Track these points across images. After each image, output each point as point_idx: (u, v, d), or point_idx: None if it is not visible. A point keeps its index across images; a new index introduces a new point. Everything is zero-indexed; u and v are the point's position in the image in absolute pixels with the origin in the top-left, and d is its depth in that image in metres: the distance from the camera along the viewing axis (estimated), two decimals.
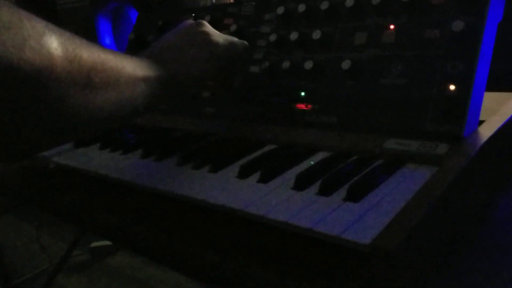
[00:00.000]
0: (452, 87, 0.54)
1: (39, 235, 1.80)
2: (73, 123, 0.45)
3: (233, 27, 0.79)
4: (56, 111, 0.42)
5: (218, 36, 0.67)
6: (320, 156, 0.60)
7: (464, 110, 0.53)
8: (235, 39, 0.71)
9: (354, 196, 0.47)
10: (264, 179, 0.55)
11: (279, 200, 0.50)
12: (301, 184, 0.52)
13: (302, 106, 0.68)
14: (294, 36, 0.69)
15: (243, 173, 0.57)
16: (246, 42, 0.74)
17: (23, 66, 0.38)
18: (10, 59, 0.37)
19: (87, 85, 0.44)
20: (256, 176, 0.56)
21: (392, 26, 0.61)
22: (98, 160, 0.74)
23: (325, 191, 0.49)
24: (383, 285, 0.38)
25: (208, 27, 0.67)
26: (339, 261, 0.42)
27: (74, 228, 1.70)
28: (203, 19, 0.84)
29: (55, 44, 0.41)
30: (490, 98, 0.60)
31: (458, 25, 0.54)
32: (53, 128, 0.44)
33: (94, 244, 1.87)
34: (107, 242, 1.87)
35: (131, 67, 0.52)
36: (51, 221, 1.99)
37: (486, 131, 0.54)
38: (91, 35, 1.19)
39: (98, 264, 1.80)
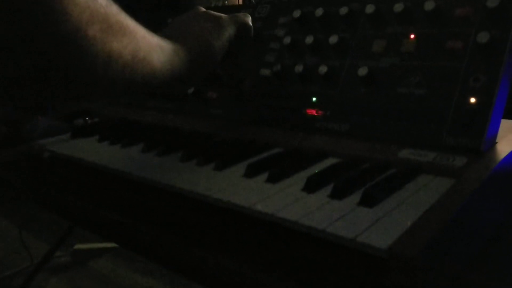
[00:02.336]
0: (473, 100, 0.53)
1: (21, 234, 1.74)
2: (90, 62, 0.43)
3: None
4: (74, 42, 0.41)
5: (219, 13, 0.68)
6: (330, 162, 0.58)
7: (485, 124, 0.51)
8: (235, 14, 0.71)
9: (369, 201, 0.45)
10: (272, 179, 0.53)
11: (289, 200, 0.47)
12: (312, 186, 0.50)
13: (312, 111, 0.66)
14: (309, 40, 0.68)
15: (251, 172, 0.55)
16: (246, 14, 0.73)
17: None
18: None
19: (104, 22, 0.44)
20: (263, 176, 0.54)
21: (412, 36, 0.60)
22: (97, 151, 0.71)
23: (337, 195, 0.47)
24: None
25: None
26: (351, 267, 0.40)
27: (58, 228, 1.66)
28: None
29: None
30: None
31: (483, 37, 0.53)
32: (72, 64, 0.42)
33: (78, 246, 1.82)
34: (90, 245, 1.82)
35: (148, 34, 0.52)
36: (35, 220, 1.94)
37: (505, 147, 0.52)
38: None
39: (80, 267, 1.74)
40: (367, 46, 0.63)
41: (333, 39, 0.65)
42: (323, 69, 0.65)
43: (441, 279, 0.41)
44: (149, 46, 0.51)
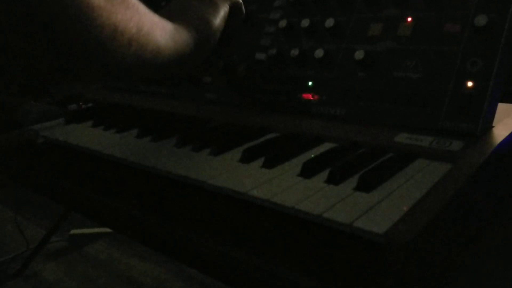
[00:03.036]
0: (470, 84, 0.52)
1: (17, 219, 1.74)
2: (96, 34, 0.42)
3: None
4: (79, 12, 0.40)
5: None
6: (327, 146, 0.57)
7: (481, 108, 0.51)
8: None
9: (365, 185, 0.45)
10: (268, 165, 0.52)
11: (285, 186, 0.47)
12: (308, 171, 0.49)
13: (308, 96, 0.65)
14: (305, 23, 0.67)
15: (246, 158, 0.54)
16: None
17: None
18: None
19: None
20: (259, 161, 0.54)
21: (409, 19, 0.59)
22: (91, 137, 0.71)
23: (334, 180, 0.47)
24: (397, 279, 0.36)
25: None
26: (348, 252, 0.40)
27: (53, 213, 1.66)
28: None
29: None
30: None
31: (481, 20, 0.52)
32: (78, 37, 0.41)
33: (73, 231, 1.82)
34: (86, 230, 1.83)
35: (149, 11, 0.51)
36: (30, 204, 1.93)
37: (501, 131, 0.52)
38: None
39: (76, 252, 1.75)
40: (363, 30, 0.63)
41: (329, 22, 0.65)
42: (319, 53, 0.64)
43: (437, 264, 0.41)
44: (152, 22, 0.50)
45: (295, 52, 0.67)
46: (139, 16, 0.48)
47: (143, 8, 0.49)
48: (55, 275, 1.62)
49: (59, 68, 0.44)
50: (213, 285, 1.46)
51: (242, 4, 0.71)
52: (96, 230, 1.83)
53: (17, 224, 1.72)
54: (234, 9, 0.68)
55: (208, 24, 0.62)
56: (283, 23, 0.70)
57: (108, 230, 1.80)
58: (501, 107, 0.55)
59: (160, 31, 0.52)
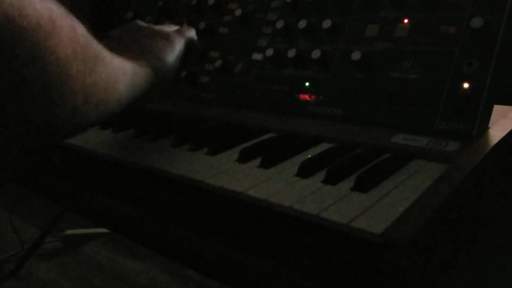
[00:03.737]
0: (466, 85, 0.53)
1: (12, 218, 1.73)
2: (70, 103, 0.39)
3: (238, 12, 0.77)
4: (56, 83, 0.37)
5: (163, 29, 0.67)
6: (324, 147, 0.57)
7: (477, 109, 0.52)
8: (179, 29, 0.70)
9: (362, 186, 0.45)
10: (265, 164, 0.52)
11: (282, 186, 0.47)
12: (305, 171, 0.49)
13: (305, 96, 0.65)
14: (302, 24, 0.67)
15: (244, 157, 0.54)
16: (190, 26, 0.73)
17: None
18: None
19: (84, 52, 0.40)
20: (256, 161, 0.54)
21: (406, 20, 0.59)
22: (87, 136, 0.70)
23: (331, 180, 0.47)
24: (394, 279, 0.36)
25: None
26: (345, 252, 0.40)
27: (48, 213, 1.65)
28: (207, 1, 0.81)
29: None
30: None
31: (477, 22, 0.52)
32: (48, 113, 0.39)
33: (68, 231, 1.82)
34: (82, 230, 1.82)
35: (110, 55, 0.48)
36: (25, 204, 1.92)
37: (497, 132, 0.53)
38: None
39: (71, 253, 1.74)
40: (360, 31, 0.63)
41: (326, 23, 0.65)
42: (316, 53, 0.64)
43: (434, 264, 0.41)
44: (116, 71, 0.48)
45: (292, 52, 0.67)
46: (106, 69, 0.45)
47: (107, 55, 0.46)
48: (50, 275, 1.62)
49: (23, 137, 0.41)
50: (209, 286, 1.45)
51: (196, 39, 0.72)
52: (91, 230, 1.82)
53: (11, 224, 1.71)
54: (189, 45, 0.69)
55: (165, 63, 0.61)
56: (280, 24, 0.70)
57: (103, 230, 1.79)
58: (497, 108, 0.55)
59: (122, 77, 0.49)
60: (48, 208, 1.65)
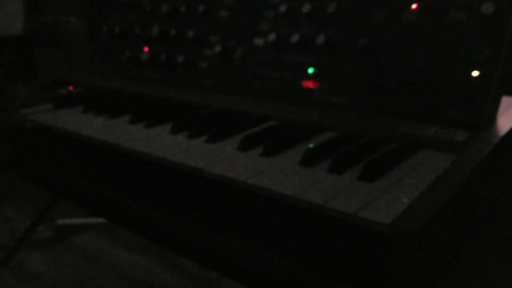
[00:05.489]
0: (475, 73, 0.51)
1: (1, 207, 1.70)
2: None
3: None
4: None
5: None
6: (327, 136, 0.56)
7: (486, 98, 0.50)
8: None
9: (369, 175, 0.43)
10: (268, 153, 0.50)
11: (286, 174, 0.45)
12: (309, 160, 0.48)
13: (309, 83, 0.63)
14: (306, 8, 0.65)
15: (245, 145, 0.52)
16: None
17: None
18: None
19: None
20: (258, 149, 0.52)
21: (415, 5, 0.57)
22: (82, 122, 0.68)
23: (336, 169, 0.45)
24: (403, 269, 0.35)
25: None
26: (352, 243, 0.38)
27: (39, 202, 1.62)
28: None
29: None
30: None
31: (488, 8, 0.50)
32: None
33: (60, 221, 1.79)
34: (73, 220, 1.79)
35: None
36: (15, 193, 1.89)
37: (506, 122, 0.51)
38: None
39: (63, 243, 1.71)
40: (367, 16, 0.61)
41: (332, 7, 0.63)
42: (320, 39, 0.62)
43: (442, 254, 0.40)
44: None
45: (295, 38, 0.65)
46: None
47: None
48: (41, 266, 1.59)
49: None
50: (202, 277, 1.44)
51: None
52: (83, 220, 1.80)
53: (1, 213, 1.68)
54: None
55: None
56: (283, 8, 0.68)
57: (96, 220, 1.77)
58: (504, 100, 0.54)
59: None
60: (39, 197, 1.62)
